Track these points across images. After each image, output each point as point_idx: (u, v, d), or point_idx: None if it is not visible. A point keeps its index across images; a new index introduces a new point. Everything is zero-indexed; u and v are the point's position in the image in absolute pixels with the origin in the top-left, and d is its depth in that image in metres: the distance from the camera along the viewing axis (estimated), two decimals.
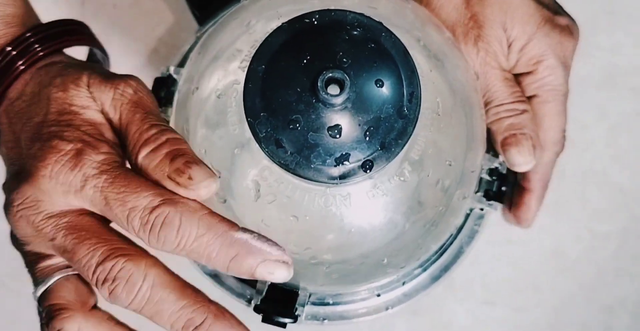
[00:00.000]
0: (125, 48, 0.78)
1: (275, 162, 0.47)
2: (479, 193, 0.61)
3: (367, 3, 0.54)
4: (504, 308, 0.80)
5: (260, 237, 0.47)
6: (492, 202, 0.61)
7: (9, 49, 0.55)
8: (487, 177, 0.61)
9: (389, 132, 0.46)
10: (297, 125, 0.46)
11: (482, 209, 0.63)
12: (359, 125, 0.46)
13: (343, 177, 0.46)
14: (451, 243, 0.64)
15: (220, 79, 0.53)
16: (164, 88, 0.61)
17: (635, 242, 0.80)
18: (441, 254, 0.64)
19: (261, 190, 0.51)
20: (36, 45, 0.56)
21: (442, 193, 0.54)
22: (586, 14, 0.83)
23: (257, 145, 0.47)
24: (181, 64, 0.63)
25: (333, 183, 0.47)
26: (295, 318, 0.58)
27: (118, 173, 0.47)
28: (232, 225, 0.46)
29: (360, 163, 0.46)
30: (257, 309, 0.59)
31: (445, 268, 0.64)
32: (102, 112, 0.50)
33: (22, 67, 0.55)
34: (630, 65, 0.83)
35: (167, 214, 0.46)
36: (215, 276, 0.63)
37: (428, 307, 0.78)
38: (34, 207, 0.49)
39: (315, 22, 0.48)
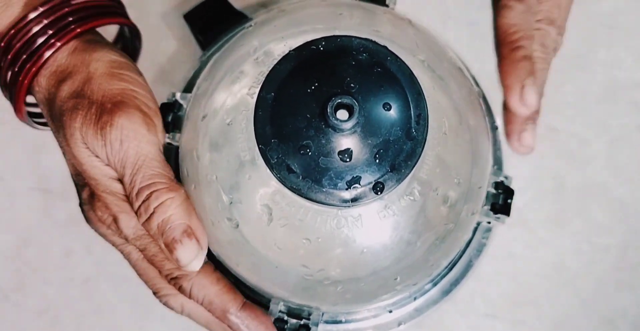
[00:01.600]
0: None
1: (287, 187, 0.48)
2: (486, 207, 0.62)
3: (370, 26, 0.56)
4: (505, 322, 0.80)
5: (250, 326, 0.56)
6: (499, 216, 0.62)
7: (41, 19, 0.55)
8: (493, 190, 0.62)
9: (399, 154, 0.48)
10: (308, 150, 0.47)
11: (489, 222, 0.64)
12: (369, 148, 0.47)
13: (355, 199, 0.48)
14: (460, 257, 0.65)
15: (229, 105, 0.55)
16: (171, 113, 0.62)
17: (635, 254, 0.81)
18: (451, 268, 0.65)
19: (273, 214, 0.52)
20: (70, 19, 0.56)
21: (451, 210, 0.55)
22: (586, 28, 0.85)
23: (268, 170, 0.48)
24: (187, 89, 0.65)
25: (345, 206, 0.48)
26: None
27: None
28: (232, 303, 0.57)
29: (371, 185, 0.47)
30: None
31: (455, 282, 0.66)
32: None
33: (58, 44, 0.56)
34: (630, 79, 0.84)
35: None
36: None
37: (430, 320, 0.79)
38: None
39: (322, 49, 0.49)
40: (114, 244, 0.59)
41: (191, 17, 0.72)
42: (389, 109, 0.48)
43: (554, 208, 0.82)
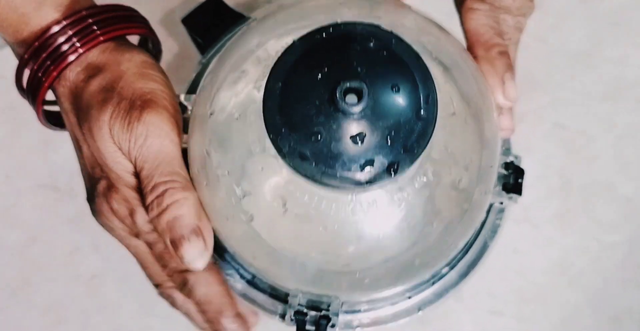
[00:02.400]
0: None
1: (301, 175, 0.48)
2: (498, 188, 0.62)
3: (372, 15, 0.56)
4: (511, 319, 0.81)
5: None
6: (511, 195, 0.63)
7: (65, 24, 0.56)
8: (504, 171, 0.63)
9: (410, 135, 0.48)
10: (319, 136, 0.47)
11: (501, 203, 0.64)
12: (380, 130, 0.48)
13: (369, 181, 0.48)
14: (475, 239, 0.66)
15: (235, 101, 0.55)
16: None
17: None
18: (467, 251, 0.66)
19: (288, 204, 0.53)
20: (94, 27, 0.57)
21: (465, 190, 0.56)
22: (592, 26, 0.85)
23: (280, 160, 0.48)
24: (190, 91, 0.66)
25: (360, 189, 0.49)
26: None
27: None
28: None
29: (385, 166, 0.48)
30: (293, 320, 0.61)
31: (472, 264, 0.66)
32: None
33: (81, 50, 0.57)
34: (636, 76, 0.85)
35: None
36: (245, 295, 0.65)
37: (435, 317, 0.80)
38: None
39: (326, 36, 0.49)
40: (120, 238, 0.59)
41: (189, 21, 0.73)
42: (398, 91, 0.48)
43: (560, 206, 0.82)
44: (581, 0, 0.86)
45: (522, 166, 0.79)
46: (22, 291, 0.80)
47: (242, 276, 0.65)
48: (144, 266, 0.61)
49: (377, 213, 0.52)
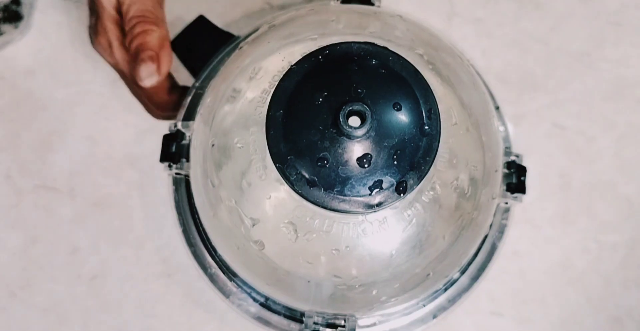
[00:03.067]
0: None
1: (310, 202, 0.48)
2: (502, 188, 0.63)
3: (363, 28, 0.57)
4: (511, 320, 0.81)
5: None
6: (516, 195, 0.63)
7: None
8: (506, 170, 0.64)
9: (416, 152, 0.48)
10: (326, 162, 0.48)
11: (506, 203, 0.65)
12: (386, 150, 0.48)
13: (379, 204, 0.48)
14: (483, 241, 0.66)
15: (236, 128, 0.55)
16: (174, 143, 0.64)
17: None
18: (476, 254, 0.66)
19: (298, 230, 0.53)
20: None
21: (472, 197, 0.56)
22: (593, 26, 0.86)
23: (288, 187, 0.48)
24: (186, 118, 0.67)
25: (370, 212, 0.49)
26: None
27: None
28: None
29: (393, 187, 0.48)
30: None
31: (482, 267, 0.67)
32: None
33: None
34: (637, 76, 0.85)
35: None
36: (259, 318, 0.66)
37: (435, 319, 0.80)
38: None
39: (323, 59, 0.49)
40: (108, 62, 0.70)
41: (177, 44, 0.74)
42: (400, 109, 0.48)
43: (560, 206, 0.82)
44: (581, 0, 0.86)
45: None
46: (22, 291, 0.80)
47: (255, 300, 0.66)
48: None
49: (388, 231, 0.53)
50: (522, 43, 0.85)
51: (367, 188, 0.48)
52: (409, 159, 0.48)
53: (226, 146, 0.55)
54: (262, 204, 0.54)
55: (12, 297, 0.80)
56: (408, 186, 0.48)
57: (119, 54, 0.68)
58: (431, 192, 0.53)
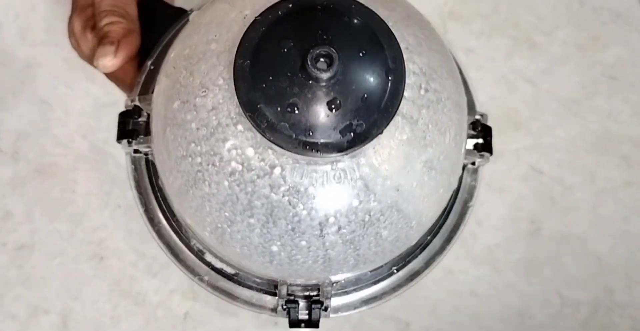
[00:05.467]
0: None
1: (284, 149, 0.49)
2: (469, 148, 0.64)
3: None
4: None
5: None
6: (483, 153, 0.65)
7: None
8: (472, 131, 0.65)
9: (383, 94, 0.50)
10: (296, 108, 0.49)
11: (473, 164, 0.67)
12: (354, 94, 0.49)
13: (351, 146, 0.49)
14: (453, 203, 0.68)
15: (203, 87, 0.55)
16: (131, 120, 0.65)
17: (606, 315, 0.80)
18: (447, 216, 0.68)
19: (282, 188, 0.53)
20: None
21: (441, 138, 0.56)
22: (586, 75, 0.85)
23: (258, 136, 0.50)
24: (142, 93, 0.67)
25: (343, 154, 0.50)
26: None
27: None
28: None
29: (363, 129, 0.49)
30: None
31: (455, 229, 0.68)
32: None
33: None
34: (624, 133, 0.84)
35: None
36: (231, 295, 0.67)
37: None
38: None
39: (286, 10, 0.51)
40: (80, 54, 0.73)
41: None
42: (365, 54, 0.50)
43: (526, 253, 0.80)
44: (579, 48, 0.86)
45: (493, 206, 0.81)
46: None
47: (224, 275, 0.68)
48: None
49: (367, 175, 0.53)
50: (510, 80, 0.85)
51: (338, 132, 0.49)
52: (377, 102, 0.49)
53: (191, 108, 0.55)
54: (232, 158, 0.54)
55: None
56: (377, 128, 0.49)
57: (86, 44, 0.71)
58: (402, 135, 0.53)
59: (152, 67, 0.69)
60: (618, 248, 0.81)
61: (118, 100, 0.73)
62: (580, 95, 0.85)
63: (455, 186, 0.63)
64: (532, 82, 0.85)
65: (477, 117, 0.66)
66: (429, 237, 0.67)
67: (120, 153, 0.79)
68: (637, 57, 0.87)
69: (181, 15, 0.71)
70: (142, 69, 0.69)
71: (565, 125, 0.84)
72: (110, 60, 0.67)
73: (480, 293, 0.79)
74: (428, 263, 0.68)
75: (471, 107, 0.68)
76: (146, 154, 0.67)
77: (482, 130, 0.66)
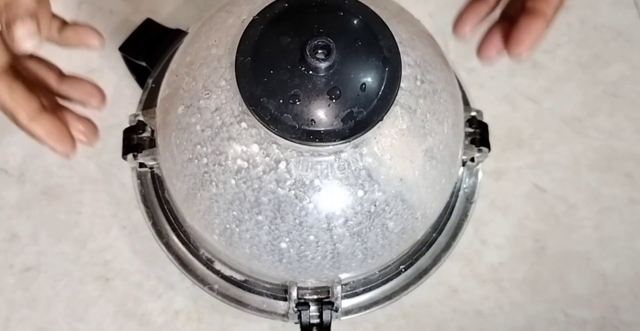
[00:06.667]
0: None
1: (288, 140, 0.51)
2: (466, 143, 0.66)
3: None
4: None
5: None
6: (481, 147, 0.66)
7: None
8: (469, 129, 0.67)
9: (381, 82, 0.52)
10: (297, 99, 0.51)
11: (472, 160, 0.68)
12: (353, 82, 0.51)
13: (353, 134, 0.51)
14: (456, 200, 0.71)
15: (206, 90, 0.56)
16: (135, 136, 0.66)
17: None
18: (450, 213, 0.70)
19: (288, 182, 0.54)
20: None
21: (440, 127, 0.58)
22: (588, 93, 0.86)
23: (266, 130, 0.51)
24: (145, 108, 0.69)
25: (346, 142, 0.51)
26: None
27: None
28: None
29: (364, 116, 0.51)
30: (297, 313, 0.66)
31: (459, 226, 0.72)
32: None
33: None
34: (627, 150, 0.85)
35: None
36: (240, 302, 0.69)
37: None
38: None
39: (282, 9, 0.53)
40: None
41: (127, 48, 0.77)
42: (361, 44, 0.52)
43: (531, 271, 0.81)
44: (581, 66, 0.87)
45: (497, 225, 0.82)
46: None
47: (234, 283, 0.70)
48: None
49: (372, 164, 0.55)
50: (513, 99, 0.85)
51: (340, 121, 0.51)
52: (376, 90, 0.51)
53: (197, 112, 0.57)
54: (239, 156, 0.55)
55: None
56: (377, 115, 0.51)
57: None
58: (403, 124, 0.55)
59: (153, 85, 0.70)
60: (623, 266, 0.81)
61: (122, 121, 0.72)
62: (583, 113, 0.86)
63: (456, 177, 0.65)
64: (534, 100, 0.86)
65: (473, 113, 0.68)
66: (434, 234, 0.70)
67: (125, 175, 0.80)
68: (639, 74, 0.88)
69: (180, 35, 0.73)
70: (144, 87, 0.70)
71: (568, 143, 0.85)
72: (38, 39, 0.52)
73: (485, 312, 0.79)
74: (435, 261, 0.70)
75: (465, 103, 0.70)
76: (151, 168, 0.69)
77: (478, 127, 0.67)
